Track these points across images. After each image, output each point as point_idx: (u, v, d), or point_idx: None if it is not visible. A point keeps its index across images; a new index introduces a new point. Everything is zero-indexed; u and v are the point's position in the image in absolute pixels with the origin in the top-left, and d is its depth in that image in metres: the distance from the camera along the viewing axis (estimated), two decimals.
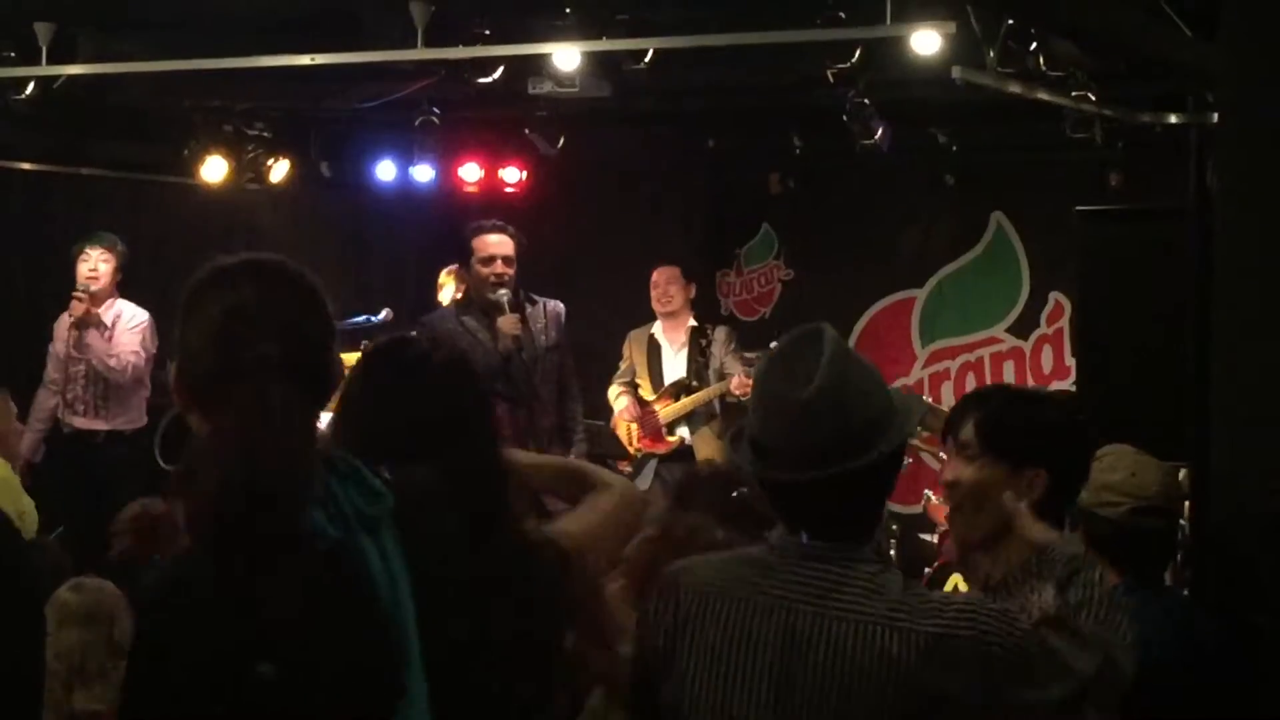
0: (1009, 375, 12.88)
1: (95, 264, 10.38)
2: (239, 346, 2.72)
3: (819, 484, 3.24)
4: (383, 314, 11.04)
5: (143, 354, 10.48)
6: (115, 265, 10.45)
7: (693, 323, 11.06)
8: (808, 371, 3.26)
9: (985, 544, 3.93)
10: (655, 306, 11.05)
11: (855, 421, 3.27)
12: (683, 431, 10.91)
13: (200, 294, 2.82)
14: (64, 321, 10.49)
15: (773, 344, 3.64)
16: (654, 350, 11.05)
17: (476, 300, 8.97)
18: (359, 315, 11.05)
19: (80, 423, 10.42)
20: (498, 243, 8.99)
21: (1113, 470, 4.65)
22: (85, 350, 10.35)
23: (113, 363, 10.33)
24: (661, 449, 10.90)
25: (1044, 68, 8.90)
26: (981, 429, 3.96)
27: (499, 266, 8.92)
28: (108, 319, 10.45)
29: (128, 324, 10.47)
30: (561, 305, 9.27)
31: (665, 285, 11.00)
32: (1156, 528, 4.71)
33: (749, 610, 3.27)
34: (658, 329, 11.08)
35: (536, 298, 9.19)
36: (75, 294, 10.32)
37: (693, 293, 11.13)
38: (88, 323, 10.34)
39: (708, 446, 10.77)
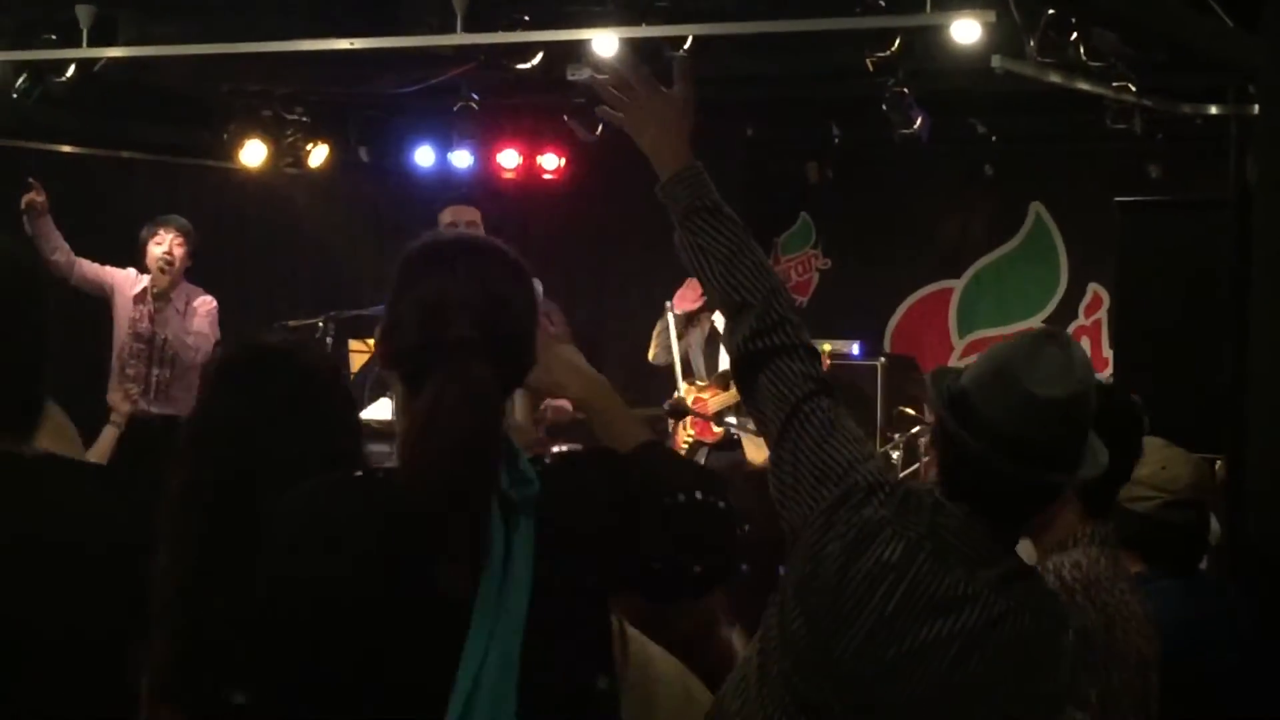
0: None
1: (170, 247, 10.31)
2: (444, 326, 2.79)
3: (1046, 484, 3.28)
4: None
5: (212, 337, 10.45)
6: (187, 250, 10.40)
7: None
8: (1065, 370, 3.24)
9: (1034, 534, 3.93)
10: None
11: (1087, 431, 3.30)
12: (731, 420, 10.83)
13: (415, 267, 2.92)
14: (125, 298, 10.42)
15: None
16: (712, 339, 10.97)
17: None
18: None
19: (115, 398, 10.33)
20: (460, 210, 8.97)
21: (1142, 464, 4.62)
22: (164, 327, 10.28)
23: (190, 341, 10.27)
24: (709, 438, 10.87)
25: (1084, 58, 8.87)
26: None
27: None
28: (179, 302, 10.40)
29: (200, 306, 10.43)
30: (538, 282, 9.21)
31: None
32: (1187, 521, 4.69)
33: (943, 579, 3.24)
34: (718, 316, 10.97)
35: None
36: (160, 266, 10.27)
37: None
38: (166, 296, 10.30)
39: (753, 441, 10.70)
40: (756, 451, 10.69)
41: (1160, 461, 4.65)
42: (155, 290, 10.27)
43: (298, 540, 2.73)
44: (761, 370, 3.41)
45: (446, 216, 8.83)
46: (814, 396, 3.37)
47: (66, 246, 10.30)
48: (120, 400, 8.88)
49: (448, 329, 2.78)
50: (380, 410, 9.52)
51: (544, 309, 9.25)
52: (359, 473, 2.85)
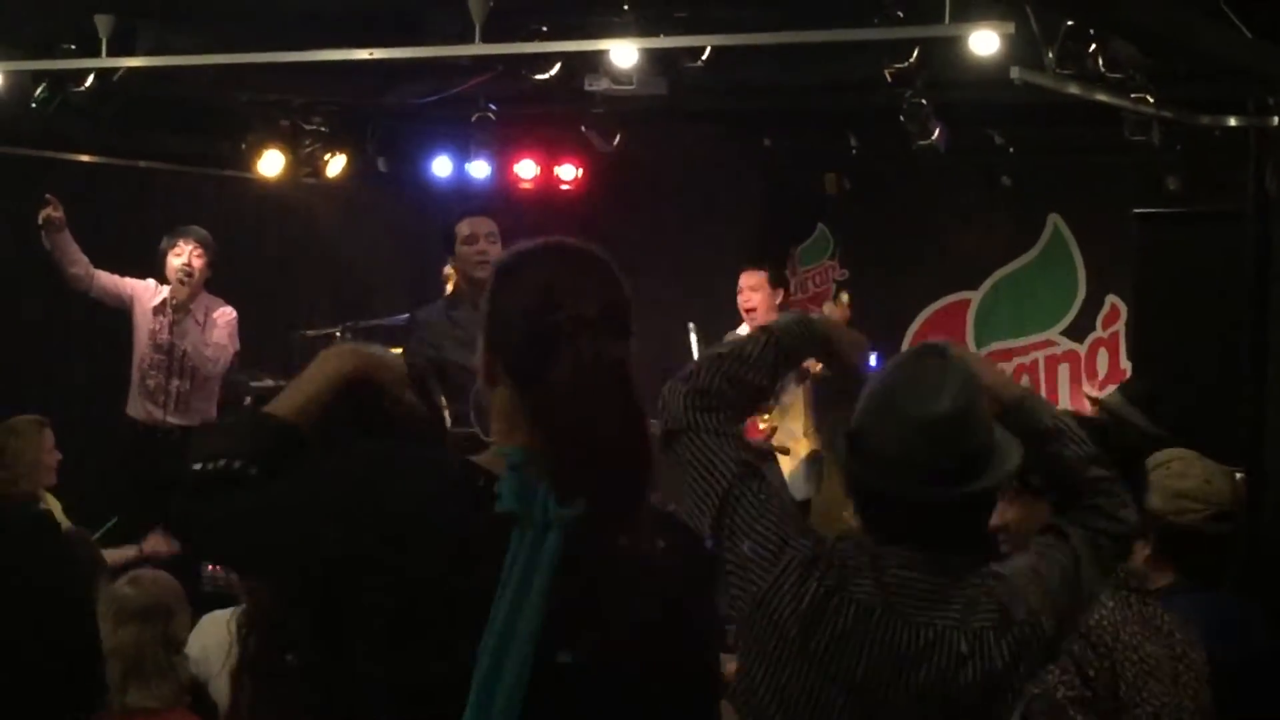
0: (1064, 379, 12.83)
1: (189, 258, 10.30)
2: (556, 309, 2.81)
3: (954, 503, 3.27)
4: None
5: (231, 349, 10.45)
6: (206, 261, 10.39)
7: None
8: (938, 387, 3.26)
9: None
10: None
11: (983, 442, 3.31)
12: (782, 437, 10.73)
13: (508, 273, 2.94)
14: (144, 309, 10.42)
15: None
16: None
17: (467, 291, 8.73)
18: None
19: (157, 414, 10.33)
20: (477, 221, 8.94)
21: (1184, 477, 4.62)
22: (182, 338, 10.28)
23: (209, 353, 10.26)
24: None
25: (1103, 69, 8.86)
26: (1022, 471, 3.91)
27: (482, 244, 8.79)
28: (198, 313, 10.39)
29: (220, 317, 10.43)
30: None
31: (748, 291, 10.75)
32: (1229, 533, 4.71)
33: (902, 632, 3.25)
34: (744, 331, 10.87)
35: None
36: (180, 278, 10.27)
37: (780, 298, 10.90)
38: (185, 308, 10.29)
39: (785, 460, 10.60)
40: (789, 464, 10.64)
41: (1203, 474, 4.66)
42: (174, 302, 10.27)
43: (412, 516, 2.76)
44: (695, 438, 3.39)
45: (464, 228, 8.78)
46: (744, 479, 3.36)
47: (85, 259, 10.31)
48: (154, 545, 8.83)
49: (560, 311, 2.81)
50: None
51: None
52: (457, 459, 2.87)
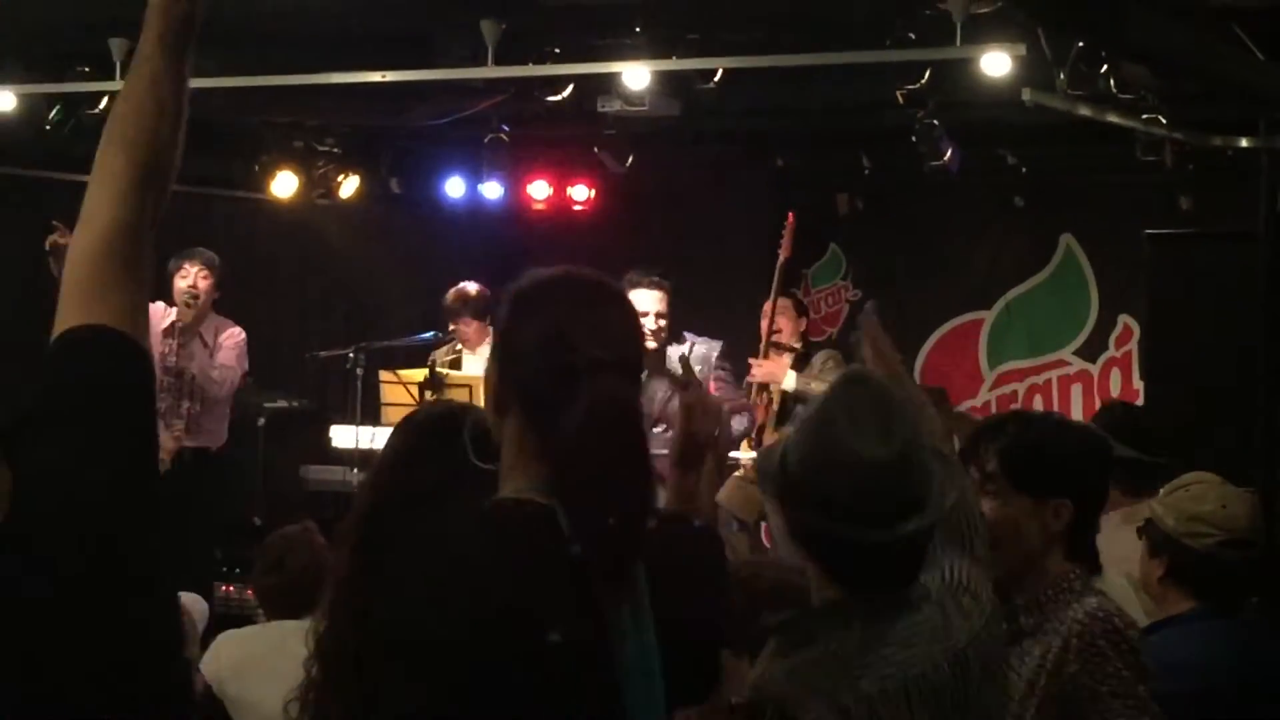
0: (1076, 398, 12.82)
1: (194, 280, 10.29)
2: (573, 350, 2.79)
3: (905, 541, 3.15)
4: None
5: (238, 370, 10.46)
6: (213, 282, 10.38)
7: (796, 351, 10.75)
8: (880, 427, 3.14)
9: (1014, 578, 3.82)
10: None
11: (926, 470, 3.20)
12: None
13: (524, 303, 2.92)
14: (154, 332, 10.42)
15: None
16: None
17: None
18: (426, 333, 11.10)
19: (164, 437, 10.31)
20: (649, 298, 8.92)
21: (1201, 500, 4.62)
22: (189, 361, 10.27)
23: (215, 375, 10.26)
24: None
25: (1114, 90, 8.87)
26: (1003, 461, 3.89)
27: (652, 319, 8.85)
28: (207, 335, 10.39)
29: (227, 339, 10.43)
30: (715, 344, 9.42)
31: (776, 318, 10.67)
32: (1243, 560, 4.69)
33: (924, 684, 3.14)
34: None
35: (688, 336, 9.26)
36: (185, 301, 10.26)
37: (804, 325, 10.79)
38: (192, 331, 10.30)
39: None
40: None
41: (1220, 499, 4.64)
42: (181, 324, 10.26)
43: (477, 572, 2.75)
44: None
45: (637, 301, 8.62)
46: None
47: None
48: (167, 439, 8.88)
49: (578, 351, 2.79)
50: None
51: (706, 357, 8.94)
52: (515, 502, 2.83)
